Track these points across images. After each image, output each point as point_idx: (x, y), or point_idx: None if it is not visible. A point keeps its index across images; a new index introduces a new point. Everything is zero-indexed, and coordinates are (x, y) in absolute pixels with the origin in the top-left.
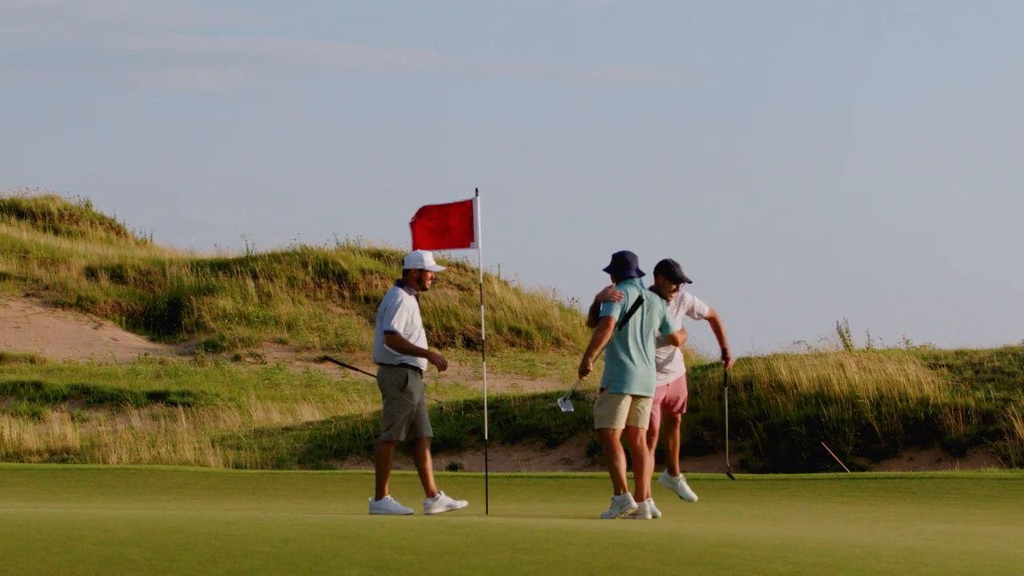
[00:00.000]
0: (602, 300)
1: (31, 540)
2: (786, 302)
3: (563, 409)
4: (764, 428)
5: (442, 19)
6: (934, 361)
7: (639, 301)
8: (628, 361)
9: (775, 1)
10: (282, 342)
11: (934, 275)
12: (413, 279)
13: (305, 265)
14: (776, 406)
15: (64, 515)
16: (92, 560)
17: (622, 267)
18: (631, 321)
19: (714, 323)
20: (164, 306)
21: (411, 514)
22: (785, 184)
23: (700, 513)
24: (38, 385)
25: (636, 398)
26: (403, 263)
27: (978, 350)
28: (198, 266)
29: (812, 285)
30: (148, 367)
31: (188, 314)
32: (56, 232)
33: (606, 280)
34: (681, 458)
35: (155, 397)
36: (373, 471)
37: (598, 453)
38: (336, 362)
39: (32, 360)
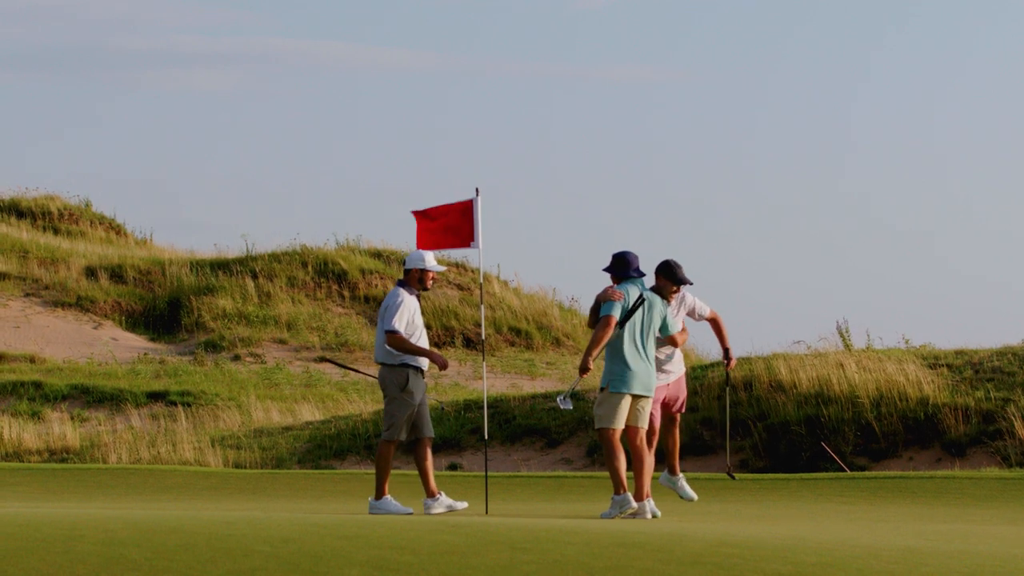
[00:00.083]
0: (603, 300)
1: (31, 540)
2: (786, 302)
3: (562, 407)
4: (764, 428)
5: (442, 19)
6: (934, 361)
7: (640, 301)
8: (628, 361)
9: (775, 1)
10: (282, 342)
11: (934, 275)
12: (414, 279)
13: (305, 265)
14: (776, 406)
15: (64, 515)
16: (92, 560)
17: (622, 267)
18: (632, 321)
19: (715, 324)
20: (164, 306)
21: (411, 514)
22: (785, 184)
23: (700, 513)
24: (38, 385)
25: (636, 398)
26: (404, 263)
27: (978, 350)
28: (198, 266)
29: (812, 285)
30: (148, 367)
31: (188, 314)
32: (56, 232)
33: (606, 280)
34: (681, 458)
35: (155, 397)
36: (373, 471)
37: (598, 453)
38: (334, 363)
39: (32, 360)
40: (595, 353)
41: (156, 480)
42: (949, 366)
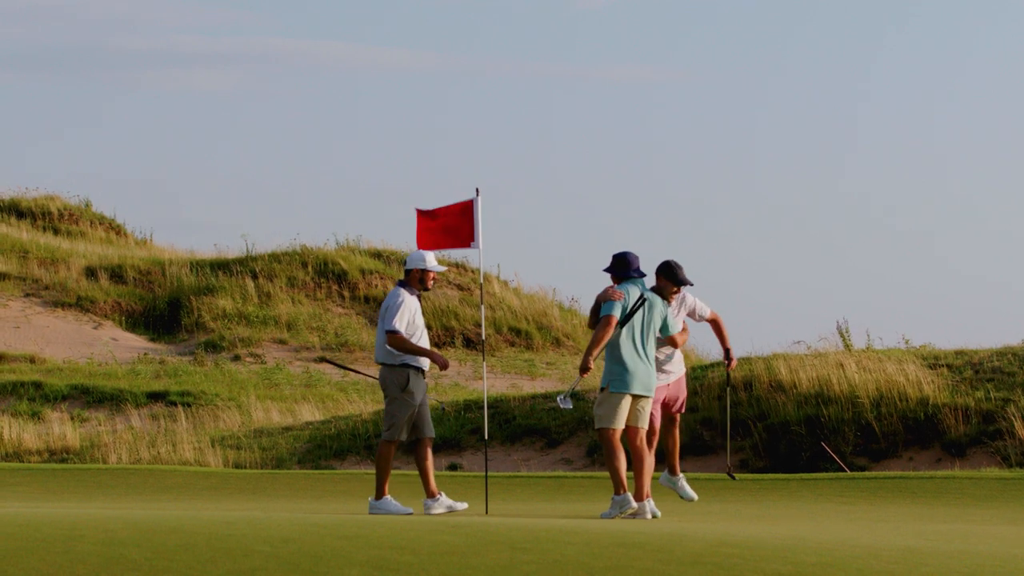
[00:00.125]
0: (603, 300)
1: (31, 540)
2: (786, 302)
3: (562, 407)
4: (764, 428)
5: (442, 19)
6: (934, 361)
7: (640, 301)
8: (628, 361)
9: (775, 1)
10: (282, 342)
11: (934, 275)
12: (415, 279)
13: (305, 265)
14: (776, 406)
15: (64, 515)
16: (92, 560)
17: (623, 267)
18: (632, 321)
19: (715, 325)
20: (164, 306)
21: (411, 514)
22: (785, 184)
23: (700, 513)
24: (38, 385)
25: (636, 398)
26: (405, 263)
27: (978, 350)
28: (198, 266)
29: (812, 285)
30: (148, 367)
31: (188, 314)
32: (56, 232)
33: (606, 280)
34: (681, 458)
35: (155, 397)
36: (373, 471)
37: (598, 453)
38: (333, 363)
39: (32, 360)
40: (595, 353)
41: (156, 480)
42: (949, 366)
